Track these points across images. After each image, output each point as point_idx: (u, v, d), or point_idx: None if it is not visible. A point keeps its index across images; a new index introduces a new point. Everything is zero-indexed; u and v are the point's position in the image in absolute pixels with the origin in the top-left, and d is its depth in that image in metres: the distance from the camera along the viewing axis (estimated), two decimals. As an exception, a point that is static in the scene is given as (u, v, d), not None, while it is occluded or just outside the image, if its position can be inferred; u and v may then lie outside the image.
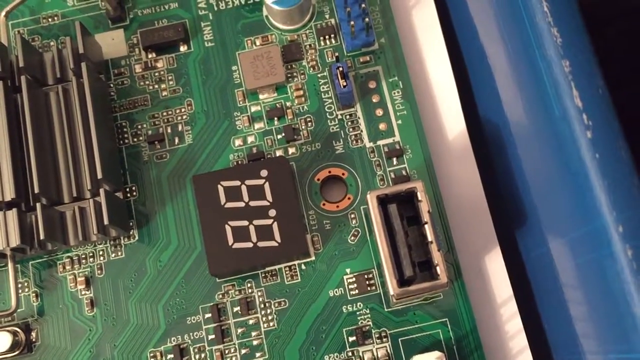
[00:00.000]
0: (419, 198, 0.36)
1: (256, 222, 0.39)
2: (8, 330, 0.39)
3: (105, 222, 0.38)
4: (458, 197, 0.42)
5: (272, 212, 0.39)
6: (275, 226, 0.39)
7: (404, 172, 0.41)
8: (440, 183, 0.42)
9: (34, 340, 0.40)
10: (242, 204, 0.39)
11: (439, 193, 0.41)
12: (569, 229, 0.36)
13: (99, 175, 0.38)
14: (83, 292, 0.40)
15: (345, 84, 0.40)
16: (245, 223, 0.39)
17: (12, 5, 0.42)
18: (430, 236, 0.35)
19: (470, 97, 0.45)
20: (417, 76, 0.44)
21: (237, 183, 0.39)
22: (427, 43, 0.45)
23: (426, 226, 0.36)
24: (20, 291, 0.40)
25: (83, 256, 0.41)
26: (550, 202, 0.38)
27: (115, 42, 0.44)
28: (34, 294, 0.40)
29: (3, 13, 0.42)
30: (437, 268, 0.35)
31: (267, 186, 0.39)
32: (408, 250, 0.36)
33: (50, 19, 0.45)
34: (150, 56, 0.44)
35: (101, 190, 0.38)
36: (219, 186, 0.39)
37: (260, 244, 0.38)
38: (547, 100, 0.34)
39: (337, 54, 0.42)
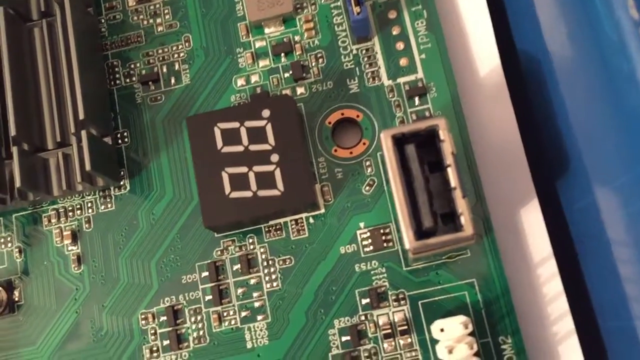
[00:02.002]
0: (441, 137, 0.31)
1: (256, 168, 0.34)
2: (-12, 288, 0.36)
3: (87, 167, 0.33)
4: (490, 142, 0.37)
5: (275, 157, 0.34)
6: (277, 173, 0.34)
7: (427, 114, 0.36)
8: (470, 126, 0.37)
9: (16, 299, 0.36)
10: (241, 148, 0.34)
11: (467, 137, 0.36)
12: (621, 172, 0.30)
13: (81, 116, 0.34)
14: (69, 248, 0.37)
15: (359, 10, 0.35)
16: (245, 170, 0.34)
17: None
18: (453, 181, 0.30)
19: (505, 27, 0.39)
20: (444, 4, 0.38)
21: (236, 125, 0.35)
22: (456, -33, 0.39)
23: (449, 169, 0.30)
24: (3, 246, 0.37)
25: (70, 208, 0.37)
26: (598, 142, 0.33)
27: (106, -27, 0.40)
28: (17, 250, 0.37)
29: (-17, -58, 0.38)
30: (462, 218, 0.30)
31: (269, 128, 0.34)
32: (428, 198, 0.31)
33: (36, -50, 0.41)
34: (145, -12, 0.39)
35: (83, 133, 0.34)
36: (215, 128, 0.35)
37: (261, 193, 0.34)
38: (594, 15, 0.28)
39: (350, -23, 0.37)
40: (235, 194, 0.34)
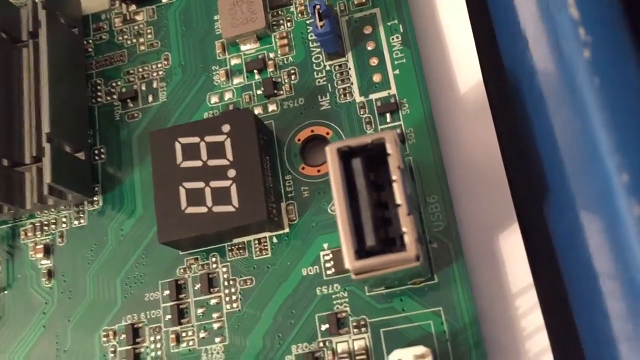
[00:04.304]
0: (388, 151, 0.29)
1: (213, 183, 0.33)
2: (-39, 299, 0.36)
3: (47, 180, 0.34)
4: (469, 162, 0.34)
5: (232, 173, 0.33)
6: (233, 188, 0.33)
7: (398, 131, 0.34)
8: (448, 144, 0.34)
9: (-7, 311, 0.37)
10: (199, 163, 0.34)
11: (440, 155, 0.34)
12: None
13: (45, 130, 0.34)
14: (42, 262, 0.37)
15: (322, 24, 0.34)
16: (202, 185, 0.33)
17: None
18: (398, 198, 0.28)
19: (490, 43, 0.37)
20: (424, 19, 0.37)
21: (196, 140, 0.34)
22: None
23: (395, 185, 0.28)
24: (-17, 259, 0.38)
25: (46, 223, 0.37)
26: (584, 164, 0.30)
27: (98, -5, 0.41)
28: (-5, 262, 0.38)
29: (-15, -32, 0.40)
30: (405, 237, 0.28)
31: (228, 143, 0.34)
32: (372, 215, 0.29)
33: (37, -25, 0.42)
34: (130, 9, 0.40)
35: (45, 146, 0.34)
36: (176, 143, 0.34)
37: (216, 208, 0.33)
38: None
39: (319, -9, 0.36)
40: (191, 210, 0.33)
